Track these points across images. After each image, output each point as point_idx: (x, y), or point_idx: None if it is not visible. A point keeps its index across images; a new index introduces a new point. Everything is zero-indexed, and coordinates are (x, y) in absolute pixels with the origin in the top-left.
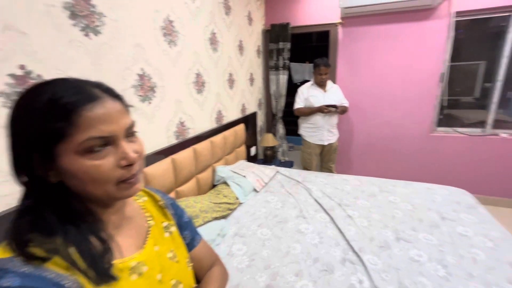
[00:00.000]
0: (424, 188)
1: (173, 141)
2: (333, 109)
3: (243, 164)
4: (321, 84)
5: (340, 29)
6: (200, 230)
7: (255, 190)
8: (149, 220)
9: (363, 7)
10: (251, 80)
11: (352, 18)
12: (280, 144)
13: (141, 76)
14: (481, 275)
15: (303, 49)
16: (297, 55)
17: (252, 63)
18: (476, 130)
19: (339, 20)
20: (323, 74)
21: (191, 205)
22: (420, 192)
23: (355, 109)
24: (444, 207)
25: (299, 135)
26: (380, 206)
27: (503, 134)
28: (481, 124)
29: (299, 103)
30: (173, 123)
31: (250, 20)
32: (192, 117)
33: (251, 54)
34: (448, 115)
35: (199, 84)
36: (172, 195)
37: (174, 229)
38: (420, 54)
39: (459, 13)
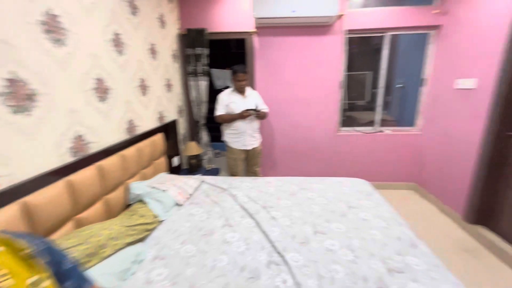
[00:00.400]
0: (335, 182)
1: (69, 159)
2: (253, 112)
3: (164, 177)
4: (241, 90)
5: (255, 38)
6: (109, 261)
7: (178, 204)
8: (4, 280)
9: (274, 19)
10: (169, 86)
11: (265, 28)
12: (205, 151)
13: (12, 81)
14: (379, 252)
15: (224, 55)
16: (219, 61)
17: (168, 68)
18: (369, 128)
19: (254, 29)
20: (241, 81)
21: (96, 234)
22: (332, 186)
23: (274, 113)
24: (350, 197)
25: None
26: (300, 203)
27: (387, 130)
28: (371, 123)
29: (219, 110)
30: (67, 137)
31: (162, 22)
32: (94, 129)
33: (166, 58)
34: (349, 116)
35: (102, 91)
36: (69, 225)
37: (47, 283)
38: (323, 64)
39: (350, 31)
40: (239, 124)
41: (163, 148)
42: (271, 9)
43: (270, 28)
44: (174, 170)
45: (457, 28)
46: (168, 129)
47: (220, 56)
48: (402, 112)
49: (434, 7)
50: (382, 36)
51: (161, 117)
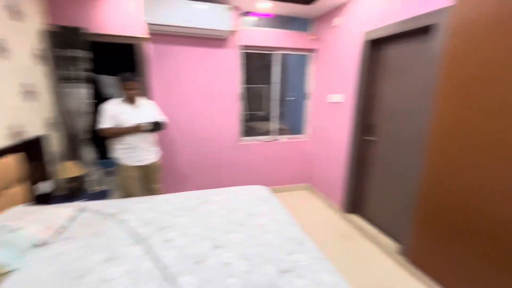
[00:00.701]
0: (236, 191)
1: None
2: (149, 126)
3: (21, 211)
4: (131, 100)
5: (150, 45)
6: None
7: (40, 244)
8: None
9: (168, 27)
10: (29, 93)
11: (161, 35)
12: (91, 171)
13: None
14: (273, 255)
15: (120, 61)
16: (113, 67)
17: (27, 71)
18: (267, 137)
19: (147, 35)
20: (131, 89)
21: None
22: (232, 196)
23: (175, 125)
24: (249, 205)
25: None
26: (200, 218)
27: (283, 138)
28: (269, 132)
29: (104, 122)
30: None
31: (15, 13)
32: None
33: (23, 59)
34: (249, 126)
35: None
36: None
37: None
38: (222, 76)
39: (245, 47)
40: (131, 138)
41: (20, 173)
42: (165, 16)
43: (167, 36)
44: (42, 199)
45: (327, 52)
46: (30, 148)
47: (115, 61)
48: (295, 121)
49: (311, 33)
50: (270, 54)
51: (16, 133)
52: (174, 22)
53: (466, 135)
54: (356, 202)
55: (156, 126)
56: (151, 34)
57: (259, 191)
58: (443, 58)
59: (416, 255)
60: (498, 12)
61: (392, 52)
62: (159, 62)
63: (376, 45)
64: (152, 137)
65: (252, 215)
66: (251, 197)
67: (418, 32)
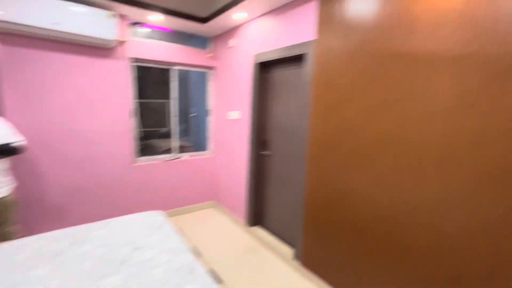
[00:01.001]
0: (122, 222)
1: None
2: None
3: None
4: None
5: (1, 47)
6: None
7: None
8: None
9: (29, 27)
10: None
11: (19, 36)
12: None
13: None
14: None
15: None
16: None
17: None
18: (167, 156)
19: None
20: None
21: None
22: (117, 229)
23: (43, 148)
24: (137, 236)
25: None
26: (66, 265)
27: (185, 156)
28: (171, 150)
29: None
30: None
31: None
32: None
33: None
34: (147, 145)
35: None
36: None
37: None
38: (109, 90)
39: (136, 59)
40: None
41: None
42: (21, 14)
43: (29, 38)
44: None
45: (224, 71)
46: None
47: None
48: (198, 138)
49: (209, 51)
50: (168, 69)
51: None
52: (36, 22)
53: (330, 146)
54: (258, 215)
55: (5, 150)
56: (0, 33)
57: (152, 217)
58: (312, 82)
59: (306, 258)
60: (346, 45)
61: (278, 74)
62: (16, 68)
63: (265, 67)
64: (2, 164)
65: (138, 249)
66: (143, 226)
67: (295, 59)
